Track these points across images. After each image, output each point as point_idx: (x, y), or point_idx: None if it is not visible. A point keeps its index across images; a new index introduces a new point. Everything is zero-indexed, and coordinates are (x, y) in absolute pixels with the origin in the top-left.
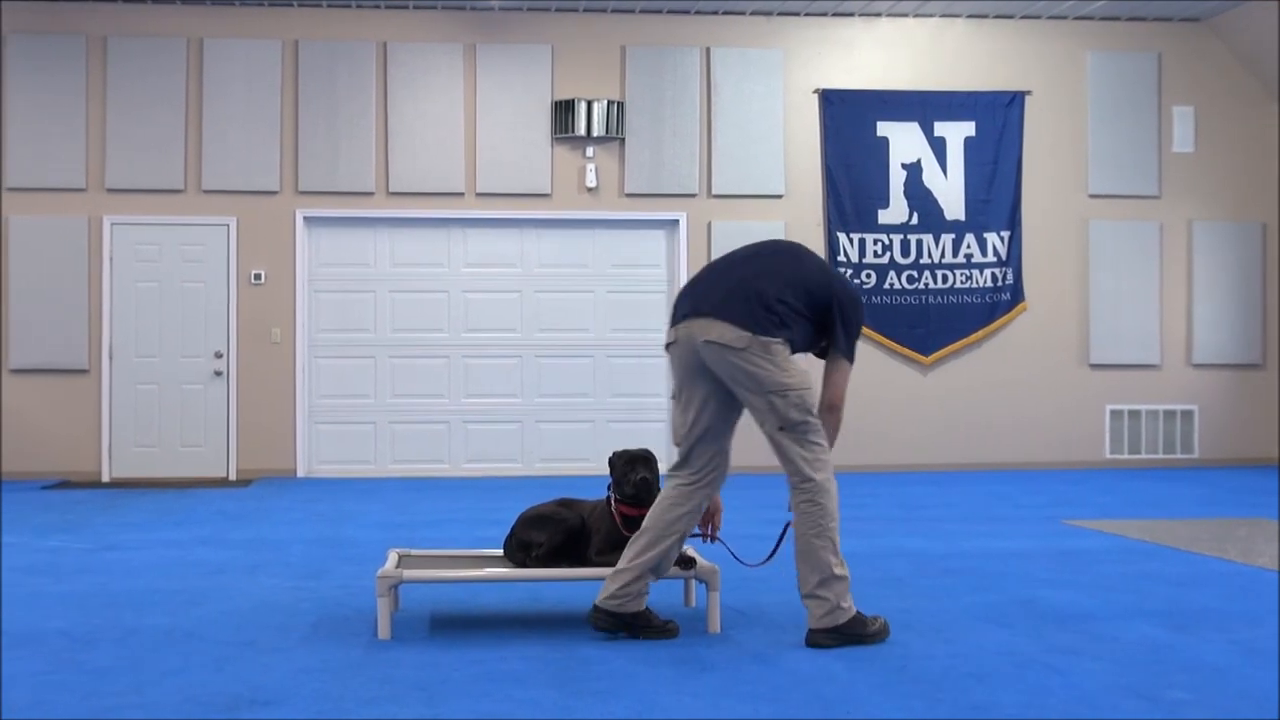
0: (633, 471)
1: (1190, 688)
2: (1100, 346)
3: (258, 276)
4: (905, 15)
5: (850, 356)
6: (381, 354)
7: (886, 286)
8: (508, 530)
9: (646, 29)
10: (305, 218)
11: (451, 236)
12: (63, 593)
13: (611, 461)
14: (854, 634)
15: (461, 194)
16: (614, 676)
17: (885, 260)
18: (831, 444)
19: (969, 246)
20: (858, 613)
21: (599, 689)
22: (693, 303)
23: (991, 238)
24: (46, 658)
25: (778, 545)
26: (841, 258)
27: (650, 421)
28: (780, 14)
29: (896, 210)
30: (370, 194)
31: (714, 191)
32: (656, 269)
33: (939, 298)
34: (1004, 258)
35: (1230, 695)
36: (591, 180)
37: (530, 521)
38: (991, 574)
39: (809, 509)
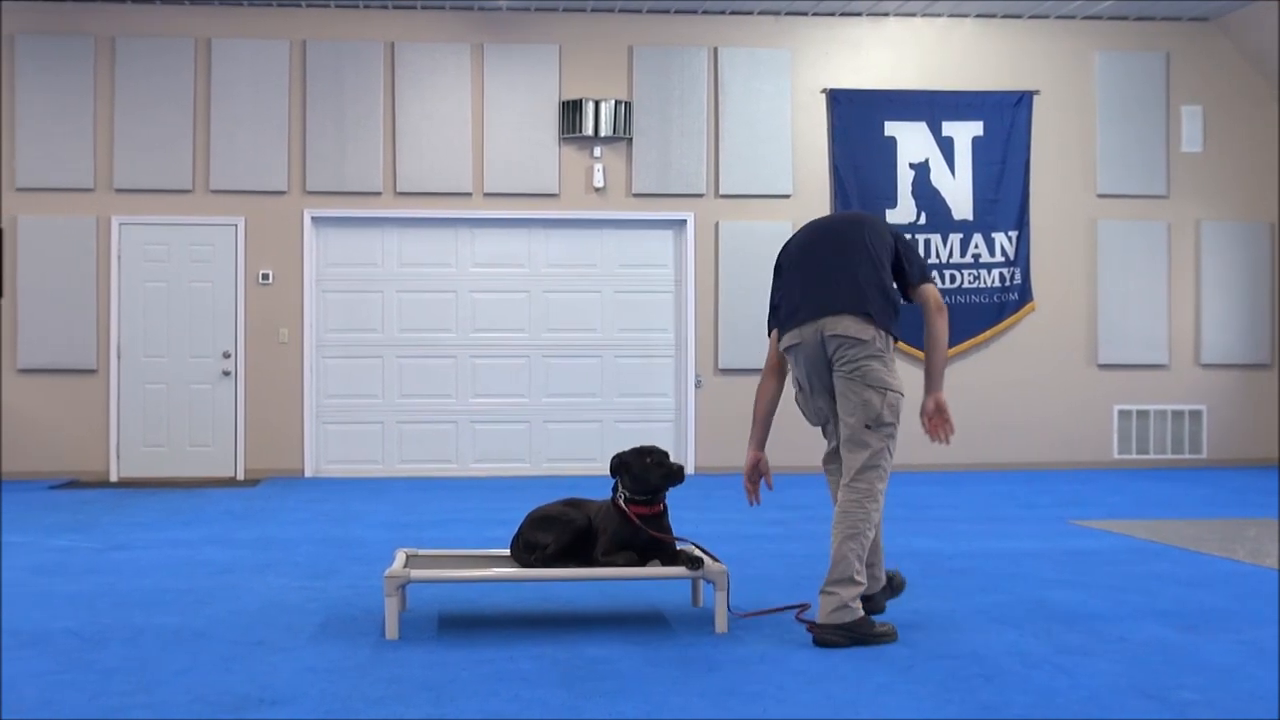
0: (653, 462)
1: (1199, 688)
2: (1108, 346)
3: (265, 276)
4: (913, 15)
5: (928, 276)
6: (389, 354)
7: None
8: (515, 530)
9: (654, 29)
10: (313, 218)
11: (459, 236)
12: (71, 592)
13: (625, 461)
14: (861, 633)
15: (469, 194)
16: (622, 677)
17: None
18: (948, 337)
19: (977, 246)
20: (866, 616)
21: (607, 689)
22: (816, 304)
23: (999, 238)
24: (55, 657)
25: (775, 610)
26: None
27: (658, 421)
28: (788, 14)
29: (904, 210)
30: (378, 194)
31: (721, 191)
32: (664, 269)
33: (947, 297)
34: (1012, 258)
35: (1239, 696)
36: (599, 180)
37: (537, 522)
38: (1000, 574)
39: (854, 509)
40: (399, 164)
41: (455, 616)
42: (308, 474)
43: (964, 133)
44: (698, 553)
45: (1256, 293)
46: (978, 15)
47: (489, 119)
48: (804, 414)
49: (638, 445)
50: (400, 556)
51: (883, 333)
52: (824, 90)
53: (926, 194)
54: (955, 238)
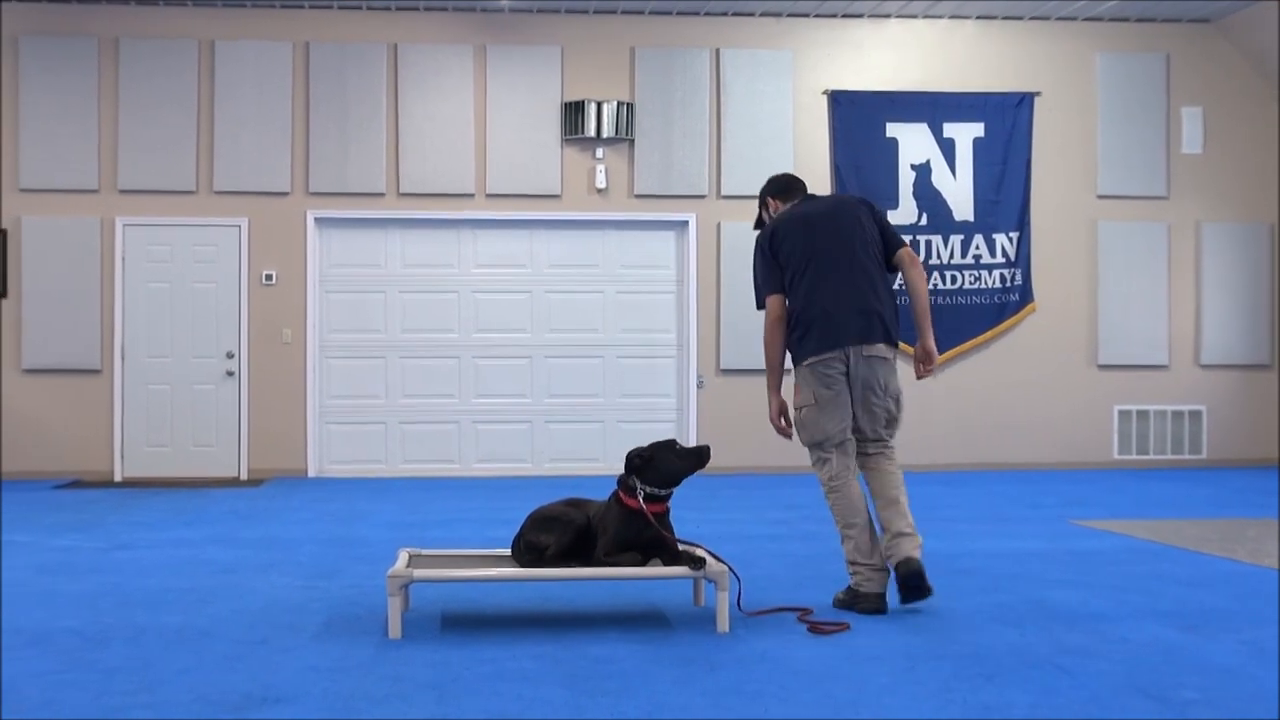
0: (679, 451)
1: (1200, 688)
2: (1109, 347)
3: (269, 277)
4: (914, 16)
5: (901, 240)
6: (392, 354)
7: (895, 287)
8: (517, 531)
9: (656, 30)
10: (316, 219)
11: (462, 237)
12: (75, 592)
13: (651, 457)
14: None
15: (472, 195)
16: (625, 676)
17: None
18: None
19: (978, 247)
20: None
21: (609, 688)
22: (857, 332)
23: (1000, 238)
24: (58, 657)
25: (775, 610)
26: None
27: (660, 421)
28: (790, 15)
29: (906, 211)
30: (381, 195)
31: (724, 192)
32: (666, 270)
33: (948, 298)
34: (1013, 258)
35: (1240, 696)
36: (601, 181)
37: (538, 523)
38: (1001, 574)
39: (895, 468)
40: (402, 165)
41: (458, 616)
42: (311, 474)
43: (965, 134)
44: (699, 553)
45: (1256, 294)
46: (979, 17)
47: (491, 120)
48: (824, 424)
49: (651, 443)
50: (403, 556)
51: (894, 347)
52: (825, 91)
53: (928, 195)
54: (956, 239)
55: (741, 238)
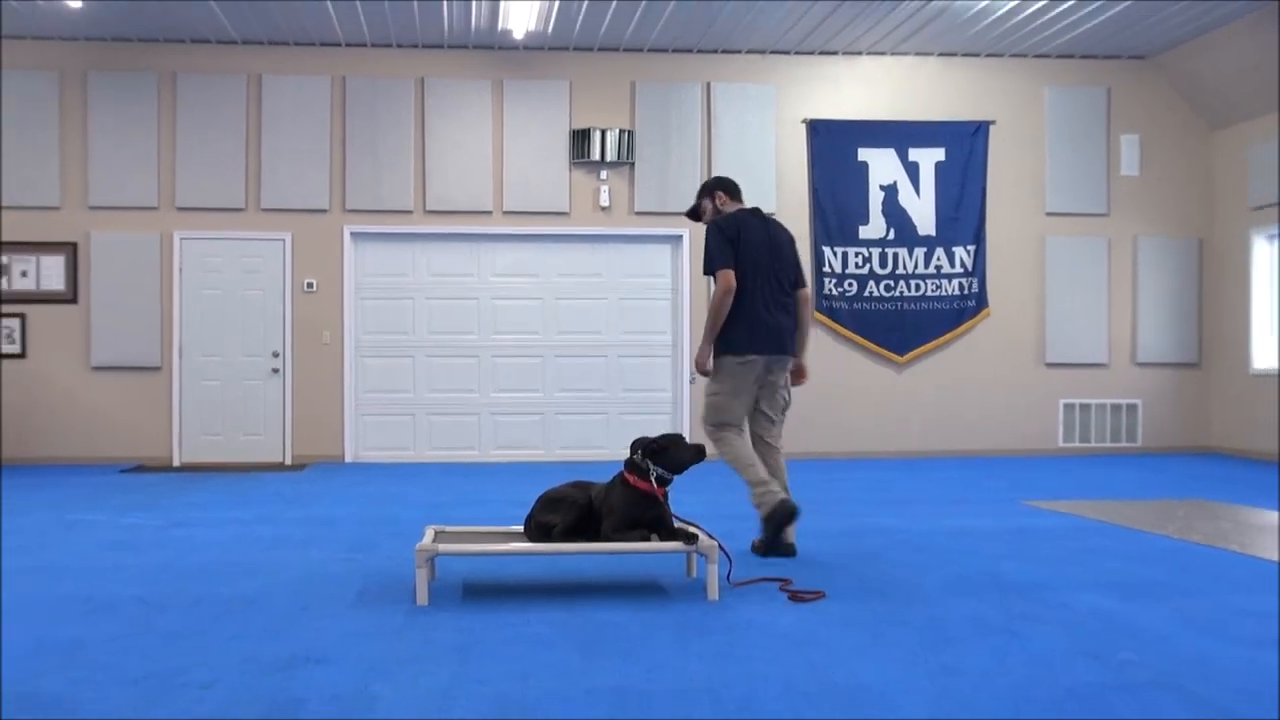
0: (686, 445)
1: (1135, 650)
2: (1055, 347)
3: (310, 285)
4: (884, 53)
5: (805, 280)
6: (419, 354)
7: (866, 294)
8: (529, 510)
9: (654, 66)
10: (352, 233)
11: (481, 250)
12: (138, 564)
13: (665, 447)
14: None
15: (489, 212)
16: (628, 640)
17: (865, 271)
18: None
19: (939, 259)
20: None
21: (615, 650)
22: (775, 344)
23: (959, 251)
24: (123, 622)
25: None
26: (826, 269)
27: (657, 414)
28: (773, 52)
29: (875, 226)
30: (409, 212)
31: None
32: (663, 279)
33: (912, 304)
34: (970, 269)
35: (1171, 658)
36: (605, 200)
37: (547, 504)
38: (959, 550)
39: (781, 459)
40: (428, 185)
41: (479, 585)
42: (348, 460)
43: (928, 158)
44: (692, 530)
45: (1186, 300)
46: (940, 54)
47: (507, 146)
48: (734, 409)
49: (660, 434)
50: (429, 532)
51: (794, 355)
52: (804, 121)
53: (895, 212)
54: (920, 251)
55: None
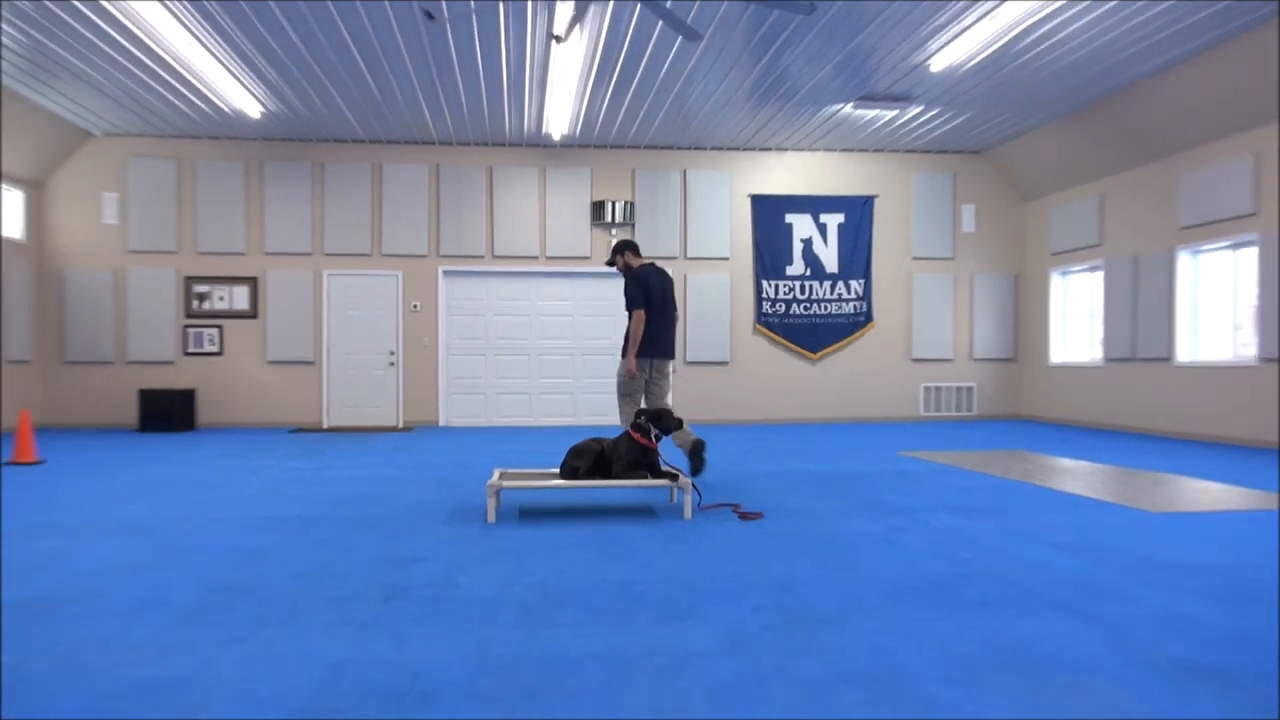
0: (672, 414)
1: (973, 552)
2: (918, 348)
3: (415, 306)
4: (803, 149)
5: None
6: (490, 352)
7: (791, 313)
8: (562, 458)
9: (649, 159)
10: (443, 271)
11: (530, 282)
12: (299, 494)
13: (660, 415)
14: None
15: (536, 257)
16: (630, 546)
17: (790, 297)
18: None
19: (840, 288)
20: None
21: (620, 554)
22: (665, 351)
23: (854, 283)
24: (289, 533)
25: (716, 506)
26: (764, 295)
27: None
28: (728, 149)
29: (797, 266)
30: (482, 256)
31: (689, 255)
32: None
33: (822, 319)
34: (861, 295)
35: (996, 557)
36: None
37: (574, 453)
38: (854, 484)
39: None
40: (495, 238)
41: (529, 509)
42: (441, 424)
43: (833, 220)
44: (675, 471)
45: (1006, 316)
46: (841, 150)
47: (549, 212)
48: (635, 387)
49: (657, 408)
50: (496, 473)
51: (672, 359)
52: (749, 195)
53: (810, 257)
54: (827, 283)
55: (698, 283)
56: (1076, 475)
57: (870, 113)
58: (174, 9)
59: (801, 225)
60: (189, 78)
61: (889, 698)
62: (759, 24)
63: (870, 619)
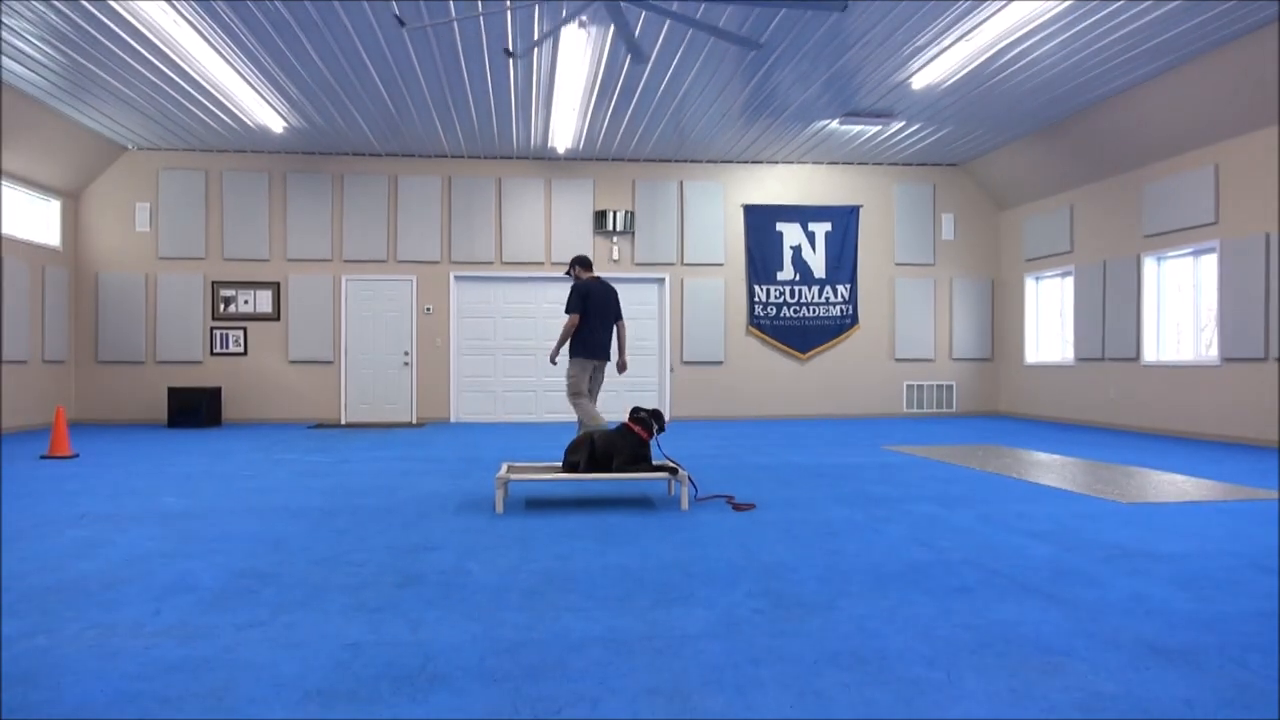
0: (660, 414)
1: (951, 539)
2: (901, 349)
3: (428, 309)
4: (792, 162)
5: (621, 316)
6: (498, 352)
7: (782, 315)
8: (563, 452)
9: (648, 170)
10: (455, 276)
11: (536, 287)
12: (319, 485)
13: (656, 413)
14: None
15: (542, 263)
16: (629, 534)
17: (780, 300)
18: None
19: (827, 293)
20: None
21: (620, 541)
22: (603, 353)
23: (841, 288)
24: (309, 522)
25: (712, 497)
26: (756, 299)
27: (648, 391)
28: (722, 161)
29: (787, 272)
30: (491, 263)
31: (685, 261)
32: (652, 305)
33: (812, 321)
34: (847, 299)
35: (974, 545)
36: (616, 255)
37: (572, 449)
38: (841, 476)
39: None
40: (503, 246)
41: (535, 500)
42: (452, 420)
43: (820, 229)
44: (672, 464)
45: (983, 319)
46: (829, 162)
47: (554, 220)
48: (581, 383)
49: (652, 408)
50: (504, 467)
51: (609, 360)
52: (742, 205)
53: (800, 263)
54: (815, 288)
55: (694, 288)
56: (1050, 468)
57: (855, 128)
58: (204, 31)
59: (791, 233)
60: (217, 95)
61: (873, 677)
62: (748, 48)
63: (856, 603)
